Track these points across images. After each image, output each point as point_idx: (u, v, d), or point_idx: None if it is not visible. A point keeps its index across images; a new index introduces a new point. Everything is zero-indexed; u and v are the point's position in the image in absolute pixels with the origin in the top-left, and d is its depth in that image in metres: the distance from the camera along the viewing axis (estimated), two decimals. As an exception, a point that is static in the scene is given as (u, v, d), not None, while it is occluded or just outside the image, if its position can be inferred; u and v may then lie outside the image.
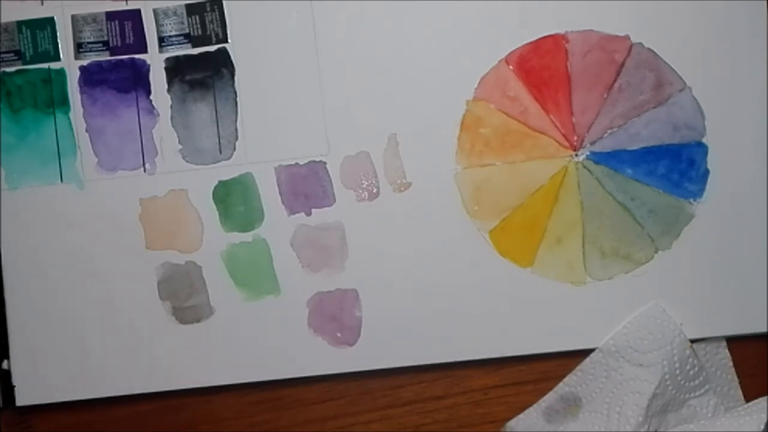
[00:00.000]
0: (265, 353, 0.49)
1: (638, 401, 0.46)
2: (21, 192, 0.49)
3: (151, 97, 0.49)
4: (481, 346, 0.48)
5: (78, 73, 0.49)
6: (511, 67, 0.48)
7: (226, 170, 0.49)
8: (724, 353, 0.49)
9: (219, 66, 0.49)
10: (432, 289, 0.48)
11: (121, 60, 0.49)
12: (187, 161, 0.49)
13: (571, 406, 0.48)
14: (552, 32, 0.48)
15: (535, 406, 0.48)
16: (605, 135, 0.48)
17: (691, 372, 0.47)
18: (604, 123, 0.48)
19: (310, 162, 0.49)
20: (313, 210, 0.49)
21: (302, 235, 0.49)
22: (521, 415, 0.48)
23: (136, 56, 0.49)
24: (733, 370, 0.49)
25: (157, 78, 0.49)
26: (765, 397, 0.45)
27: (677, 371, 0.47)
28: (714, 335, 0.48)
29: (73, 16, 0.49)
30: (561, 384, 0.48)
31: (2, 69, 0.49)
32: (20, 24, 0.49)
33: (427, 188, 0.48)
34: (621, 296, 0.48)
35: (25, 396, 0.49)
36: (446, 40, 0.49)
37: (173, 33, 0.49)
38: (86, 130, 0.49)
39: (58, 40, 0.49)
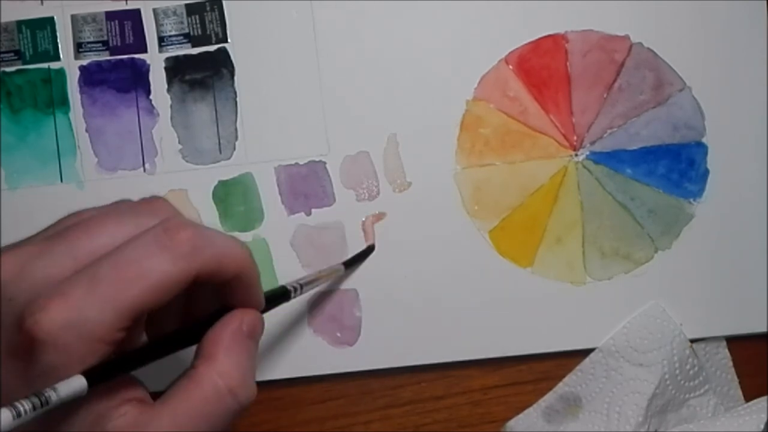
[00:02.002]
0: (265, 353, 0.49)
1: (638, 401, 0.46)
2: (21, 192, 0.49)
3: (151, 97, 0.49)
4: (480, 346, 0.48)
5: (78, 73, 0.49)
6: (510, 66, 0.48)
7: (226, 170, 0.49)
8: (724, 353, 0.49)
9: (219, 66, 0.49)
10: (432, 289, 0.48)
11: (121, 60, 0.49)
12: (186, 161, 0.49)
13: (571, 406, 0.48)
14: (552, 32, 0.48)
15: (534, 406, 0.48)
16: (605, 135, 0.48)
17: (691, 372, 0.47)
18: (604, 123, 0.48)
19: (309, 162, 0.49)
20: (313, 210, 0.49)
21: (302, 235, 0.49)
22: (521, 415, 0.48)
23: (136, 56, 0.49)
24: (733, 370, 0.49)
25: (157, 78, 0.49)
26: (765, 397, 0.45)
27: (677, 371, 0.47)
28: (714, 335, 0.48)
29: (72, 16, 0.49)
30: (561, 384, 0.48)
31: (2, 69, 0.49)
32: (20, 24, 0.49)
33: (427, 188, 0.48)
34: (621, 296, 0.48)
35: (25, 396, 0.49)
36: (446, 40, 0.49)
37: (173, 33, 0.49)
38: (86, 130, 0.49)
39: (58, 40, 0.49)
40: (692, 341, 0.48)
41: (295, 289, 0.39)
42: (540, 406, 0.48)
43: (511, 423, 0.48)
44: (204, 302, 0.34)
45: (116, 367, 0.29)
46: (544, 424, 0.48)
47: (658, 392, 0.47)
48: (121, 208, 0.33)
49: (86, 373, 0.27)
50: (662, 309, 0.48)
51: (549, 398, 0.48)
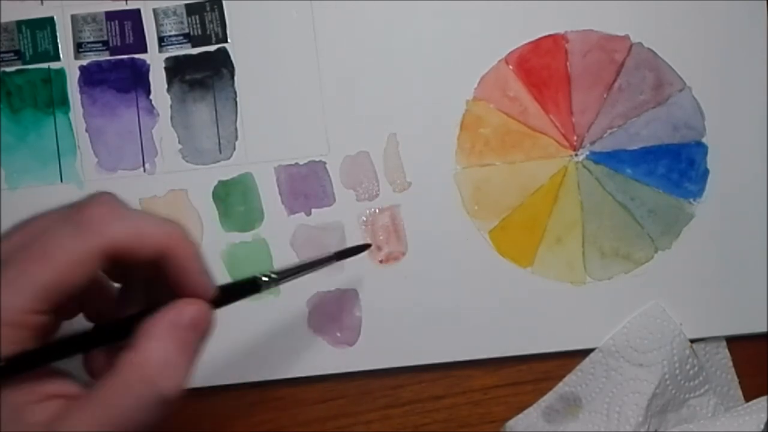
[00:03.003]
0: (265, 353, 0.49)
1: (638, 401, 0.46)
2: (21, 192, 0.49)
3: (151, 97, 0.49)
4: (481, 346, 0.48)
5: (78, 73, 0.49)
6: (510, 66, 0.48)
7: (226, 170, 0.49)
8: (724, 353, 0.49)
9: (219, 66, 0.49)
10: (432, 289, 0.48)
11: (121, 60, 0.49)
12: (186, 161, 0.49)
13: (571, 406, 0.48)
14: (552, 32, 0.48)
15: (534, 405, 0.48)
16: (605, 135, 0.48)
17: (691, 372, 0.47)
18: (604, 123, 0.48)
19: (309, 162, 0.49)
20: (313, 210, 0.49)
21: (302, 235, 0.49)
22: (521, 415, 0.48)
23: (136, 56, 0.49)
24: (733, 370, 0.49)
25: (157, 78, 0.49)
26: (765, 397, 0.45)
27: (677, 371, 0.47)
28: (714, 335, 0.48)
29: (72, 16, 0.49)
30: (561, 384, 0.48)
31: (2, 69, 0.49)
32: (20, 24, 0.49)
33: (427, 188, 0.48)
34: (621, 296, 0.48)
35: (25, 396, 0.49)
36: (446, 40, 0.49)
37: (173, 33, 0.49)
38: (86, 130, 0.49)
39: (58, 40, 0.49)
40: (692, 341, 0.48)
41: (269, 278, 0.36)
42: (540, 406, 0.48)
43: (511, 423, 0.48)
44: (162, 297, 0.32)
45: (37, 357, 0.28)
46: (544, 424, 0.48)
47: (658, 392, 0.47)
48: (61, 206, 0.32)
49: (2, 362, 0.27)
50: (662, 309, 0.48)
51: (549, 398, 0.48)
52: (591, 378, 0.48)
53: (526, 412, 0.48)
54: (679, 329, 0.47)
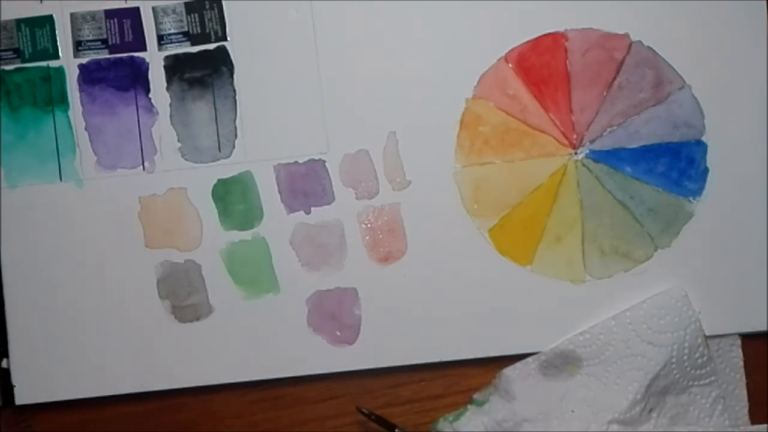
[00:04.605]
0: (265, 352, 0.49)
1: (640, 378, 0.46)
2: (20, 190, 0.49)
3: (150, 96, 0.49)
4: (480, 345, 0.48)
5: (77, 71, 0.49)
6: (510, 65, 0.48)
7: (226, 168, 0.49)
8: (737, 352, 0.48)
9: (218, 64, 0.49)
10: (432, 288, 0.48)
11: (120, 58, 0.49)
12: (186, 159, 0.49)
13: (569, 364, 0.48)
14: (551, 30, 0.48)
15: (534, 357, 0.48)
16: (605, 133, 0.48)
17: (700, 361, 0.47)
18: (604, 121, 0.48)
19: (309, 160, 0.49)
20: (313, 208, 0.49)
21: (301, 234, 0.49)
22: (518, 363, 0.48)
23: (135, 54, 0.49)
24: (743, 370, 0.48)
25: (156, 76, 0.49)
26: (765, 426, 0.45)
27: (685, 357, 0.47)
28: (713, 333, 0.48)
29: (72, 14, 0.49)
30: (564, 341, 0.48)
31: (1, 67, 0.49)
32: (19, 22, 0.49)
33: (427, 186, 0.48)
34: (620, 295, 0.48)
35: (24, 395, 0.49)
36: (446, 39, 0.49)
37: (172, 31, 0.49)
38: (85, 129, 0.49)
39: (57, 38, 0.49)
40: (707, 337, 0.48)
41: None
42: (539, 359, 0.48)
43: (507, 370, 0.48)
44: None
45: None
46: (539, 376, 0.48)
47: (662, 374, 0.47)
48: None
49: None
50: (685, 294, 0.47)
51: (549, 352, 0.48)
52: (597, 343, 0.47)
53: (524, 361, 0.48)
54: (696, 317, 0.47)
